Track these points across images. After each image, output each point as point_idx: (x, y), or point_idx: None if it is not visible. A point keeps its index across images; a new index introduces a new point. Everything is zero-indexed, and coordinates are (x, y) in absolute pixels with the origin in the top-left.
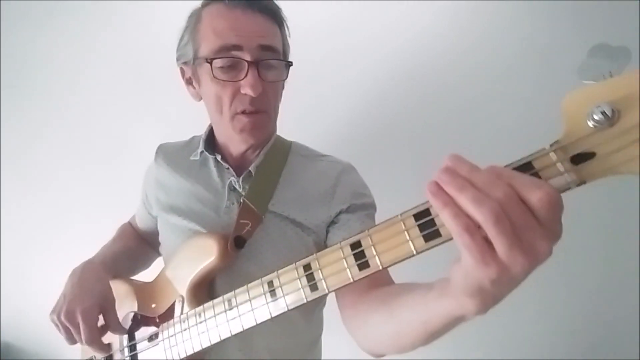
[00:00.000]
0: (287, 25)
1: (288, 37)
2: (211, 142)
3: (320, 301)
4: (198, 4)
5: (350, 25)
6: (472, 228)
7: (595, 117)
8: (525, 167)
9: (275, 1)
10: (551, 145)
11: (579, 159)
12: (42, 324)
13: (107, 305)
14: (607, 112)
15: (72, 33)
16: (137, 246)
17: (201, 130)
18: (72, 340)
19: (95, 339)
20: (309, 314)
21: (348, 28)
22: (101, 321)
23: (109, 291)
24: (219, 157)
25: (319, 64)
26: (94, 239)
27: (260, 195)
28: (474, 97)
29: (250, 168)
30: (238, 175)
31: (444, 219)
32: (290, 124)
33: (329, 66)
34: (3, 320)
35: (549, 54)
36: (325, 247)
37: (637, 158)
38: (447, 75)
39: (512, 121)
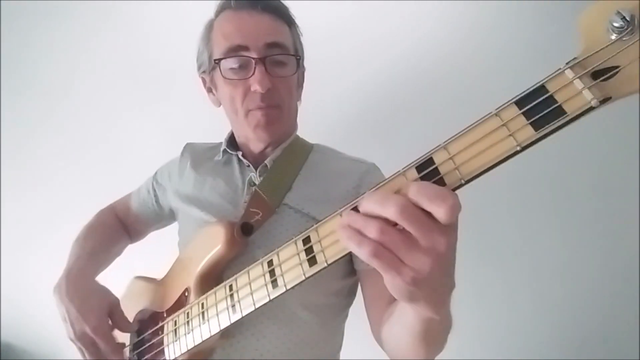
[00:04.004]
0: (296, 23)
1: (299, 35)
2: (233, 143)
3: (342, 313)
4: (211, 14)
5: (356, 27)
6: (378, 250)
7: (616, 25)
8: (539, 91)
9: (285, 1)
10: (567, 63)
11: (600, 75)
12: (42, 324)
13: (112, 309)
14: (627, 17)
15: (71, 31)
16: (110, 238)
17: (200, 129)
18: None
19: (116, 349)
20: (330, 326)
21: (354, 30)
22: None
23: (107, 295)
24: (239, 154)
25: (325, 66)
26: None
27: (275, 187)
28: (481, 99)
29: (266, 161)
30: (257, 170)
31: (352, 249)
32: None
33: (335, 68)
34: (3, 320)
35: (557, 59)
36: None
37: None
38: (454, 76)
39: None
